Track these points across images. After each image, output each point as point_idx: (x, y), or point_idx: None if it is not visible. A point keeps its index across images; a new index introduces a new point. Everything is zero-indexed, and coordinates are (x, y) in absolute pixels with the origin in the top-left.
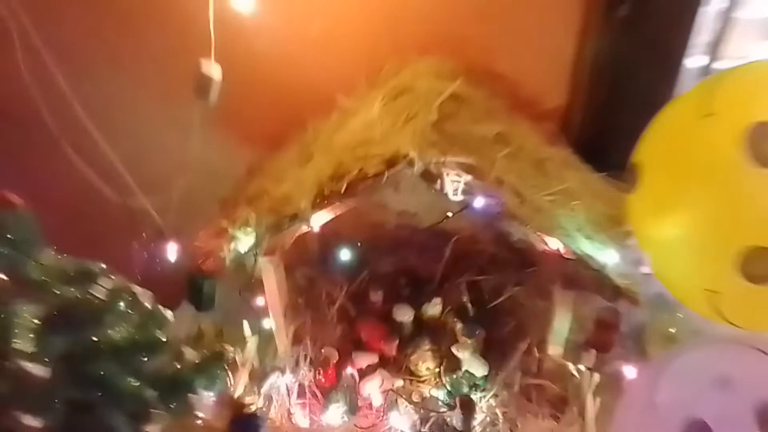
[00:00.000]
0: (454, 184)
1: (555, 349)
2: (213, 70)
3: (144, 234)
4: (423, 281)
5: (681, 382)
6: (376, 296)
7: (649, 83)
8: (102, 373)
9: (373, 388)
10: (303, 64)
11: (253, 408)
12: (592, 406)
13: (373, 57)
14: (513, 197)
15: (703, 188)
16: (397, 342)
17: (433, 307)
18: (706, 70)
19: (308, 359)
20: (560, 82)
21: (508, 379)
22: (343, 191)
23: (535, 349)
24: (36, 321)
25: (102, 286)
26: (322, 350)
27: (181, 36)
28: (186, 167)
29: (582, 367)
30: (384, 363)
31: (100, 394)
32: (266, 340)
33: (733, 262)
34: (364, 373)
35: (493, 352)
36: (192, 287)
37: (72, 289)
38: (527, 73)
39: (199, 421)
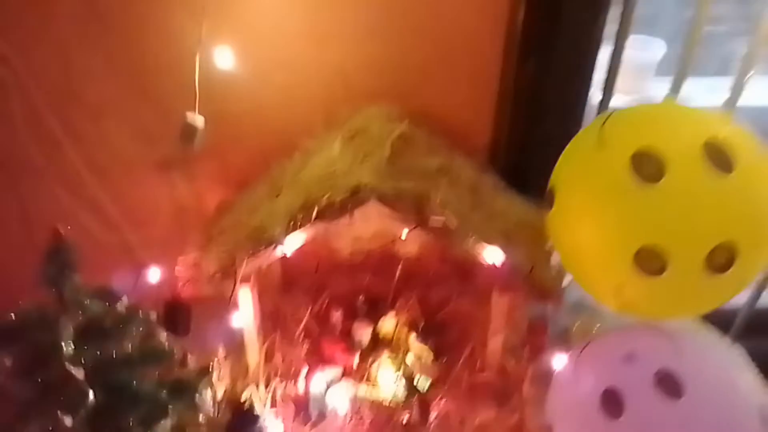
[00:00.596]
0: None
1: (494, 348)
2: (197, 120)
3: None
4: (378, 299)
5: (595, 360)
6: (337, 315)
7: (559, 121)
8: (120, 377)
9: (338, 396)
10: (268, 111)
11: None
12: (529, 394)
13: (329, 104)
14: (454, 218)
15: (602, 204)
16: (357, 354)
17: (388, 322)
18: (603, 106)
19: (279, 373)
20: (486, 122)
21: (457, 378)
22: (312, 218)
23: (478, 351)
24: (73, 331)
25: (121, 304)
26: (291, 365)
27: (167, 88)
28: (167, 204)
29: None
30: (347, 374)
31: (119, 396)
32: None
33: (630, 260)
34: (330, 384)
35: (442, 356)
36: (168, 313)
37: (98, 306)
38: (459, 116)
39: (202, 419)
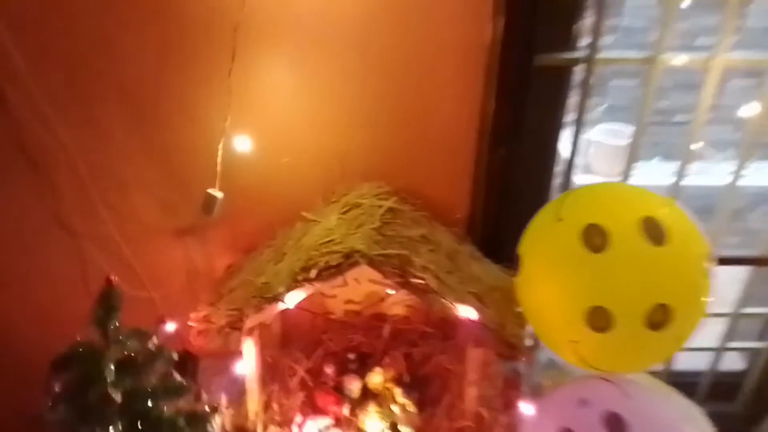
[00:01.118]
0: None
1: (471, 399)
2: (217, 193)
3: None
4: (367, 356)
5: (554, 405)
6: (330, 369)
7: (527, 198)
8: (147, 406)
9: None
10: (275, 188)
11: None
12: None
13: (327, 183)
14: (434, 280)
15: (558, 269)
16: (347, 406)
17: (376, 376)
18: (565, 185)
19: (276, 421)
20: (463, 199)
21: (437, 427)
22: (312, 278)
23: (457, 401)
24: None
25: (151, 343)
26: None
27: (192, 167)
28: (184, 266)
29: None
30: (338, 424)
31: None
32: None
33: (582, 319)
34: None
35: (425, 407)
36: (179, 362)
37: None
38: (440, 194)
39: None
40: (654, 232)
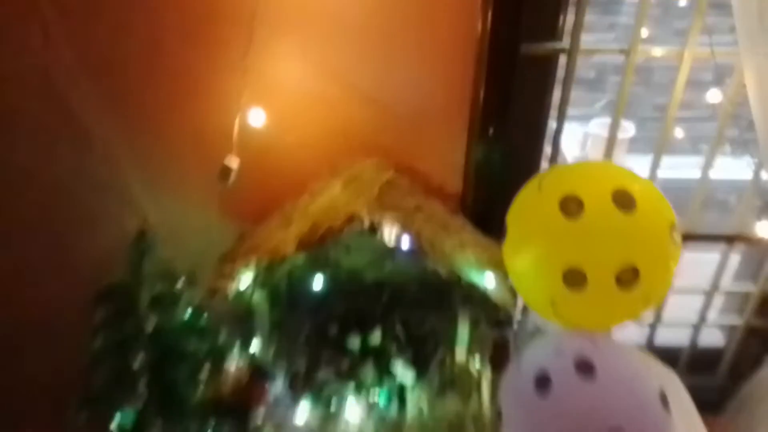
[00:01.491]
0: (389, 233)
1: (461, 354)
2: (233, 163)
3: None
4: (368, 318)
5: (533, 353)
6: (333, 329)
7: (514, 176)
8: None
9: None
10: (285, 162)
11: None
12: (486, 389)
13: (333, 157)
14: (428, 245)
15: (539, 234)
16: (349, 362)
17: (376, 336)
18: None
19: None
20: (456, 176)
21: (431, 380)
22: (319, 238)
23: (448, 357)
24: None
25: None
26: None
27: (205, 139)
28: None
29: (479, 366)
30: (340, 376)
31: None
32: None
33: (560, 278)
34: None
35: (419, 364)
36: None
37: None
38: (435, 171)
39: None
40: (624, 201)
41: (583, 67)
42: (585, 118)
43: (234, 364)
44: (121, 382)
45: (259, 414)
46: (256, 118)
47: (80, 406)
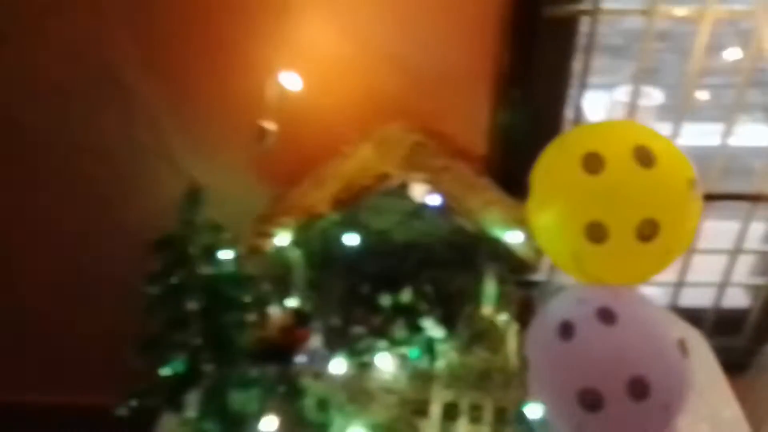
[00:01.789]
0: (418, 191)
1: (488, 310)
2: (270, 126)
3: None
4: (398, 277)
5: (557, 303)
6: (366, 288)
7: (538, 137)
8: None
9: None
10: (319, 124)
11: None
12: (513, 341)
13: (363, 121)
14: (455, 202)
15: (561, 189)
16: (381, 318)
17: (406, 294)
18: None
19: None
20: (482, 138)
21: (459, 335)
22: (352, 197)
23: (475, 312)
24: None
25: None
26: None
27: (248, 101)
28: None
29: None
30: (373, 331)
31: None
32: None
33: (582, 232)
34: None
35: (447, 320)
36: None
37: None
38: (462, 133)
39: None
40: (644, 157)
41: (610, 35)
42: (612, 86)
43: (277, 311)
44: (175, 328)
45: (302, 357)
46: (292, 82)
47: (137, 352)
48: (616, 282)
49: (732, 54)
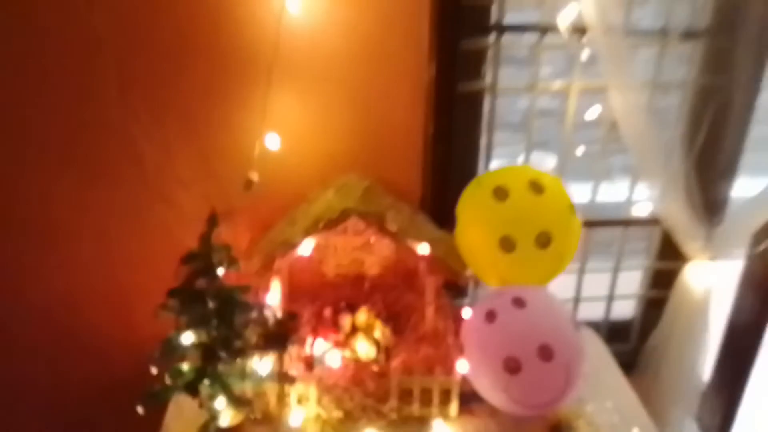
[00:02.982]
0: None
1: (429, 317)
2: (254, 176)
3: None
4: (354, 302)
5: (484, 298)
6: (327, 312)
7: (459, 180)
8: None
9: (333, 357)
10: (290, 176)
11: None
12: (451, 337)
13: (324, 173)
14: (400, 232)
15: (480, 214)
16: (342, 336)
17: (362, 315)
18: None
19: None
20: (418, 183)
21: (406, 338)
22: (320, 228)
23: (420, 322)
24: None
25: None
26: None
27: (237, 157)
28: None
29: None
30: (337, 345)
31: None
32: None
33: (497, 245)
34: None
35: (398, 333)
36: None
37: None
38: (402, 181)
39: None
40: (536, 187)
41: (511, 113)
42: (515, 156)
43: (272, 311)
44: (196, 325)
45: (293, 342)
46: (273, 143)
47: (160, 355)
48: (526, 283)
49: (593, 112)
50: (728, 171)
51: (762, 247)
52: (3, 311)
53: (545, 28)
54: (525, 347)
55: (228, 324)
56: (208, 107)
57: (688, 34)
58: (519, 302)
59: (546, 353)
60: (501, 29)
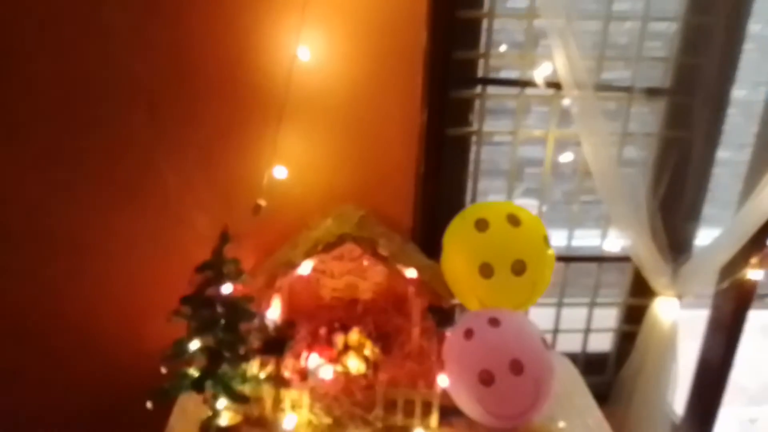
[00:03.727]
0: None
1: (415, 337)
2: (262, 203)
3: None
4: (348, 323)
5: (463, 318)
6: (322, 331)
7: (447, 214)
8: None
9: (325, 371)
10: (293, 206)
11: None
12: (434, 354)
13: (323, 204)
14: (391, 258)
15: (462, 243)
16: (335, 353)
17: (354, 335)
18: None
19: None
20: (409, 215)
21: (394, 355)
22: (319, 251)
23: (406, 342)
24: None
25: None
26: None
27: (251, 187)
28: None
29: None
30: (330, 361)
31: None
32: None
33: (477, 272)
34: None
35: (387, 352)
36: None
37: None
38: (394, 212)
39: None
40: (514, 220)
41: (503, 161)
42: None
43: (273, 319)
44: (205, 330)
45: (290, 347)
46: (280, 173)
47: (169, 357)
48: (502, 306)
49: (565, 156)
50: (691, 215)
51: (725, 285)
52: (38, 319)
53: (525, 83)
54: (498, 361)
55: (233, 329)
56: (226, 141)
57: (652, 92)
58: (494, 321)
59: (517, 367)
60: (486, 82)
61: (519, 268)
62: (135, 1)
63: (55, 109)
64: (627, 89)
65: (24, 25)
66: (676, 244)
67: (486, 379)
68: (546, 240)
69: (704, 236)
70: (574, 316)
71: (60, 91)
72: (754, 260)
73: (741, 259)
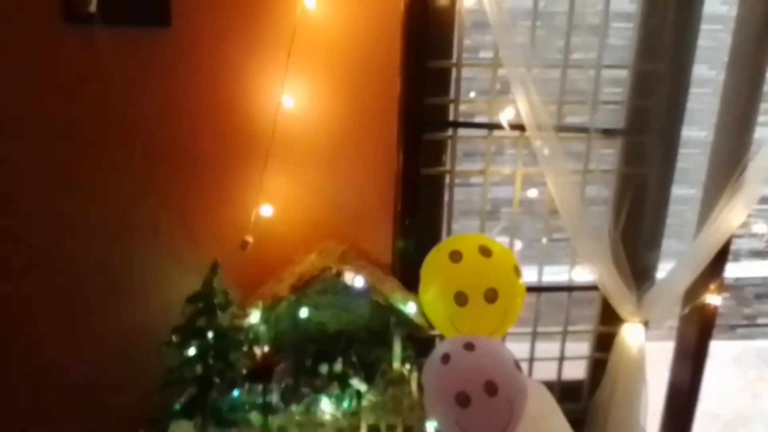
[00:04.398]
0: (351, 277)
1: (397, 366)
2: (250, 239)
3: None
4: (332, 354)
5: (441, 345)
6: (308, 361)
7: (423, 248)
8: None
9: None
10: (279, 243)
11: None
12: (414, 383)
13: (307, 240)
14: (371, 290)
15: (438, 274)
16: (321, 381)
17: (338, 364)
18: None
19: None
20: (388, 251)
21: (377, 385)
22: (303, 285)
23: (389, 370)
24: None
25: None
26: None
27: (229, 223)
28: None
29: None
30: (316, 390)
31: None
32: None
33: (452, 300)
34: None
35: (368, 378)
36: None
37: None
38: (373, 248)
39: None
40: (485, 251)
41: (478, 201)
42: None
43: (259, 349)
44: (195, 359)
45: (276, 377)
46: (266, 211)
47: (162, 386)
48: (477, 332)
49: (532, 192)
50: (651, 245)
51: (686, 310)
52: (52, 350)
53: (493, 125)
54: (473, 383)
55: (223, 357)
56: (217, 182)
57: (609, 132)
58: (469, 346)
59: (491, 389)
60: (457, 125)
61: (491, 296)
62: (132, 57)
63: (59, 148)
64: (585, 130)
65: (37, 83)
66: (638, 272)
67: (462, 400)
68: (516, 270)
69: (667, 269)
70: (549, 349)
71: (64, 133)
72: (712, 286)
73: (701, 285)
